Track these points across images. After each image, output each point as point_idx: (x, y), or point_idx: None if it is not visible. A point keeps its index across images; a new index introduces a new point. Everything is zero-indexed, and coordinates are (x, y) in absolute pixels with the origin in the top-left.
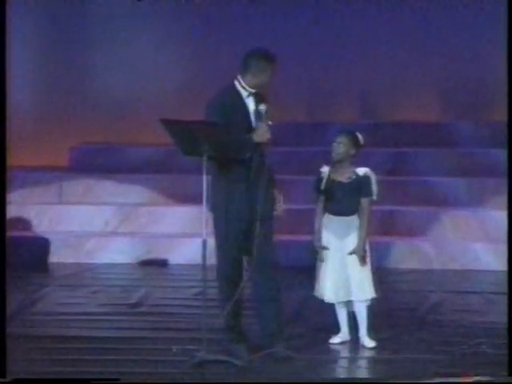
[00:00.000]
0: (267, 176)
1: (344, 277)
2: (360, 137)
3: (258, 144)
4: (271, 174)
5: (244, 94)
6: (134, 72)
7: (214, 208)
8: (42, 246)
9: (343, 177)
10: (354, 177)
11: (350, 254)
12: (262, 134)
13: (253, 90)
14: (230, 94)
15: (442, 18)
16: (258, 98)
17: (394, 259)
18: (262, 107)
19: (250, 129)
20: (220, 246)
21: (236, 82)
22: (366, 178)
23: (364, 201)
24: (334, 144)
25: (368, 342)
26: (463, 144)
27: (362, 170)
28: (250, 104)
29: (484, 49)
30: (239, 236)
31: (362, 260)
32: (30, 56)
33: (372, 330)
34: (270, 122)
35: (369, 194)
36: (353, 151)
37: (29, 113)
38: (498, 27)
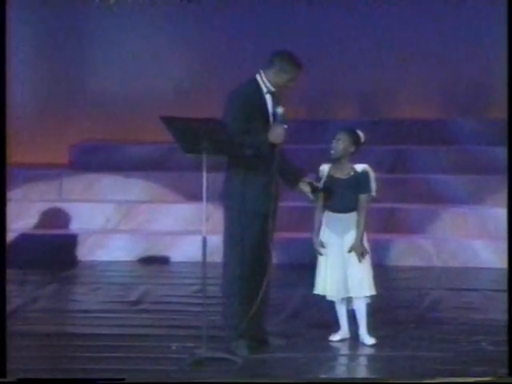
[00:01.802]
0: (277, 173)
1: (344, 274)
2: (361, 135)
3: (274, 144)
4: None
5: (264, 89)
6: (134, 70)
7: (228, 199)
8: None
9: (342, 173)
10: (353, 173)
11: (349, 251)
12: (276, 135)
13: (272, 88)
14: (252, 86)
15: (441, 15)
16: (276, 99)
17: (394, 256)
18: (280, 109)
19: (267, 124)
20: (234, 240)
21: (258, 77)
22: (364, 174)
23: (362, 197)
24: (334, 141)
25: (368, 340)
26: (463, 141)
27: (360, 167)
28: (269, 101)
29: (484, 46)
30: (254, 229)
31: (361, 256)
32: (31, 54)
33: (372, 328)
34: (285, 126)
35: (367, 190)
36: (352, 149)
37: (29, 111)
38: (498, 24)
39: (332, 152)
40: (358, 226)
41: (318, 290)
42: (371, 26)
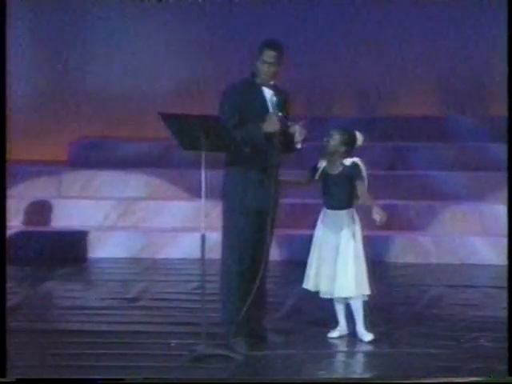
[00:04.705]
0: (277, 169)
1: (332, 272)
2: (358, 136)
3: (271, 135)
4: (278, 166)
5: (259, 82)
6: (133, 67)
7: (226, 196)
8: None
9: (333, 170)
10: (341, 168)
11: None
12: (270, 124)
13: (266, 79)
14: (246, 82)
15: (440, 11)
16: (273, 89)
17: (393, 253)
18: (274, 98)
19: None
20: (232, 237)
21: (252, 72)
22: (354, 165)
23: (359, 184)
24: (326, 137)
25: (365, 336)
26: (462, 138)
27: (349, 160)
28: (267, 93)
29: (483, 42)
30: (253, 226)
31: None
32: (30, 52)
33: (370, 325)
34: (279, 113)
35: (360, 177)
36: (343, 148)
37: (28, 108)
38: (498, 20)
39: (321, 147)
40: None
41: (309, 285)
42: (370, 24)
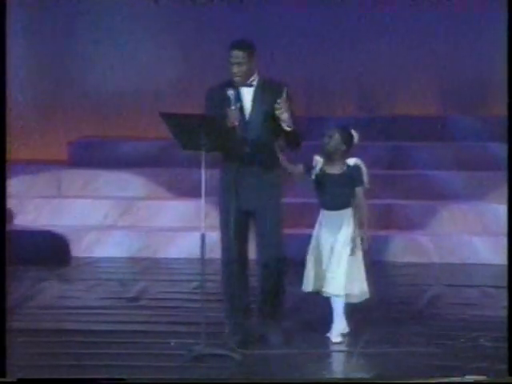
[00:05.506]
0: (258, 167)
1: (327, 270)
2: (355, 135)
3: (233, 129)
4: (268, 165)
5: (236, 82)
6: (133, 67)
7: (218, 196)
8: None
9: (334, 169)
10: (345, 168)
11: (361, 240)
12: (228, 118)
13: (239, 79)
14: (226, 83)
15: (440, 12)
16: (257, 86)
17: (392, 253)
18: (231, 91)
19: (243, 118)
20: (221, 238)
21: None
22: (356, 167)
23: (358, 190)
24: (326, 137)
25: (335, 337)
26: (462, 137)
27: (352, 161)
28: (247, 94)
29: (483, 42)
30: (233, 227)
31: (364, 246)
32: (30, 53)
33: (369, 324)
34: (232, 107)
35: (361, 182)
36: (343, 147)
37: (28, 108)
38: (497, 20)
39: (322, 147)
40: (362, 218)
41: (308, 287)
42: (370, 23)
